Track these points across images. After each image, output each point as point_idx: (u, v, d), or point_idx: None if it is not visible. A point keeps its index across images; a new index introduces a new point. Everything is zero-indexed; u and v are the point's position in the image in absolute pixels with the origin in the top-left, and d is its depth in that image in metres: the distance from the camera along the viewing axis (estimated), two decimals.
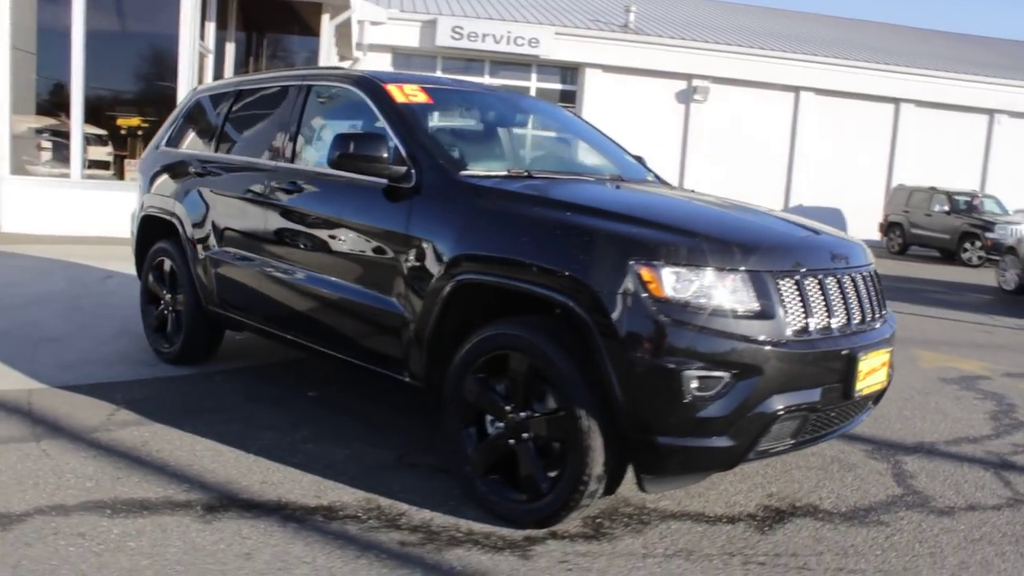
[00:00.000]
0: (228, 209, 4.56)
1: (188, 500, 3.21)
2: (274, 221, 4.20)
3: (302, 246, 4.04)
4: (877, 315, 3.41)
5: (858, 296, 3.28)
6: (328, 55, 13.82)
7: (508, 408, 3.16)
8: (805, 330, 3.00)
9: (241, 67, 14.49)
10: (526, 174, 3.71)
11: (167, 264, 5.09)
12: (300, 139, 4.28)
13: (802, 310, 3.01)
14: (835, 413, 3.24)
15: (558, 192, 3.41)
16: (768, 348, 2.87)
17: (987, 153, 23.26)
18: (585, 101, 21.62)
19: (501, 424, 3.20)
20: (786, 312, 2.96)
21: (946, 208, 18.47)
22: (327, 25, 13.76)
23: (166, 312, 5.16)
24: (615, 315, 2.83)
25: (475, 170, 3.66)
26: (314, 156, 4.26)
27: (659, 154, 19.03)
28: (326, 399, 4.66)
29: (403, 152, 3.62)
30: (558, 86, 22.31)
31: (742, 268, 2.91)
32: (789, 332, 2.95)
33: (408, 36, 20.58)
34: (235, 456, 3.69)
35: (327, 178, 3.97)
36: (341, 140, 3.59)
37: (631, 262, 2.85)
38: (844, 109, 22.49)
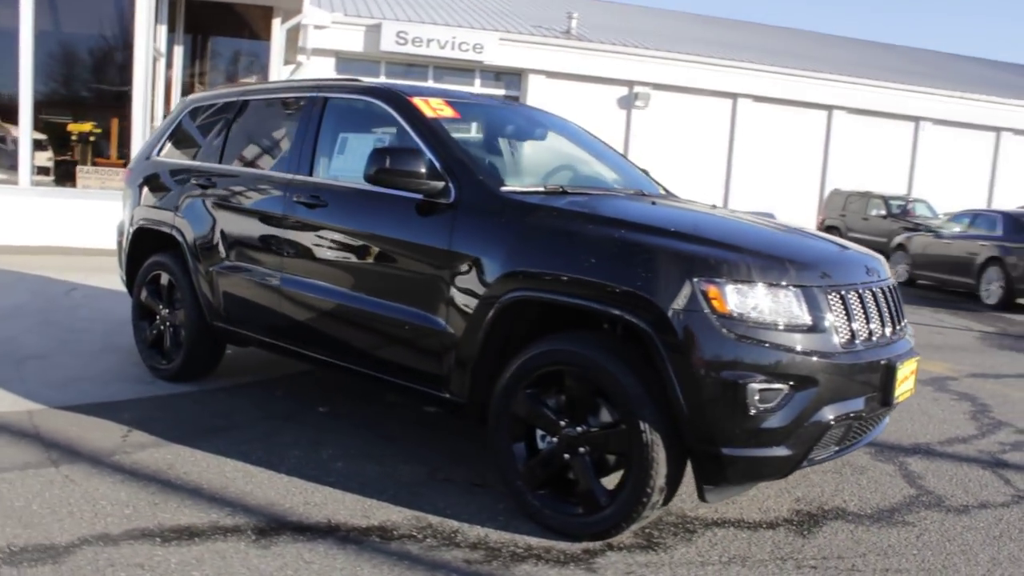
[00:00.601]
0: (239, 222, 4.45)
1: (236, 525, 3.13)
2: (295, 235, 4.11)
3: (329, 261, 3.97)
4: (901, 326, 3.54)
5: (888, 308, 3.41)
6: (280, 60, 13.59)
7: (563, 423, 3.18)
8: (851, 341, 3.11)
9: (188, 71, 14.12)
10: (562, 190, 3.73)
11: (164, 278, 4.95)
12: (320, 152, 4.20)
13: (847, 322, 3.12)
14: (870, 421, 3.36)
15: (606, 209, 3.43)
16: (822, 360, 2.97)
17: (913, 158, 24.25)
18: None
19: (553, 439, 3.21)
20: (834, 325, 3.06)
21: (882, 212, 19.17)
22: (278, 30, 13.52)
23: (162, 328, 5.01)
24: (681, 331, 2.88)
25: (512, 185, 3.66)
26: (337, 169, 4.19)
27: None
28: (338, 414, 4.59)
29: (439, 167, 3.60)
30: (501, 91, 22.35)
31: (795, 284, 3.00)
32: (838, 344, 3.05)
33: (352, 40, 20.36)
34: (267, 477, 3.62)
35: (355, 192, 3.92)
36: (378, 155, 3.55)
37: (695, 279, 2.91)
38: (780, 115, 23.14)
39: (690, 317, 2.88)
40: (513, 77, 22.39)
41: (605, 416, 3.12)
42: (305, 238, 4.08)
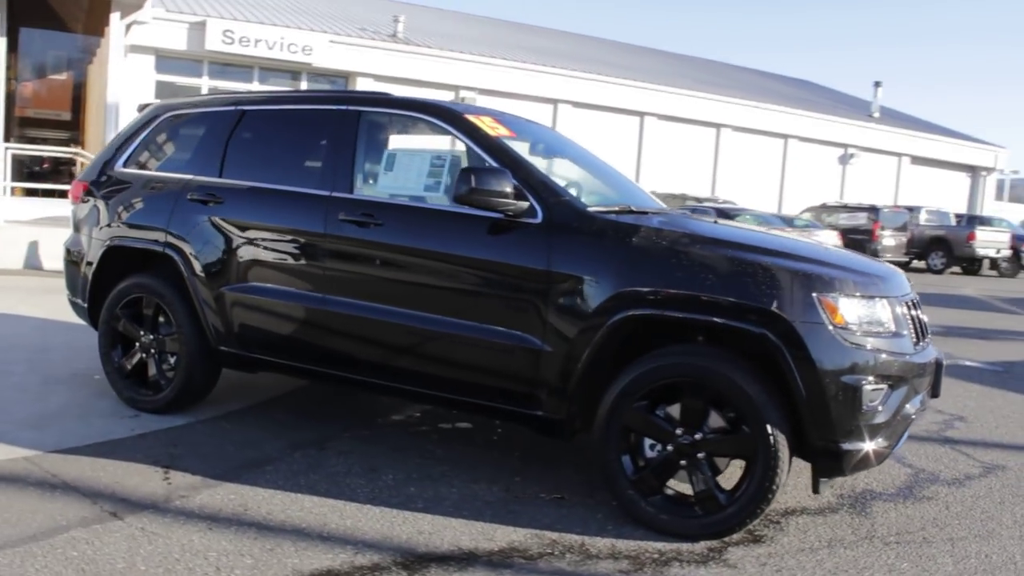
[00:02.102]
0: (260, 241, 4.16)
1: (375, 563, 2.97)
2: (344, 256, 3.91)
3: (392, 282, 3.82)
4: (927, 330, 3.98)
5: (920, 315, 3.83)
6: (121, 56, 12.51)
7: (677, 432, 3.31)
8: (917, 344, 3.48)
9: (9, 66, 12.62)
10: (631, 209, 3.82)
11: (147, 301, 4.50)
12: (361, 169, 4.02)
13: (911, 328, 3.49)
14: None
15: (702, 230, 3.56)
16: (907, 361, 3.31)
17: (716, 162, 26.38)
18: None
19: (667, 447, 3.33)
20: (908, 331, 3.42)
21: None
22: (117, 24, 12.45)
23: (144, 356, 4.56)
24: (807, 341, 3.10)
25: (591, 205, 3.71)
26: (387, 187, 4.01)
27: None
28: (363, 436, 4.41)
29: (521, 186, 3.59)
30: None
31: (883, 295, 3.33)
32: (911, 347, 3.41)
33: (175, 38, 19.04)
34: (356, 509, 3.44)
35: (419, 212, 3.82)
36: (465, 175, 3.49)
37: (815, 295, 3.15)
38: (597, 120, 24.32)
39: (814, 329, 3.12)
40: (340, 80, 21.94)
41: (718, 422, 3.29)
42: (358, 258, 3.89)
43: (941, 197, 28.94)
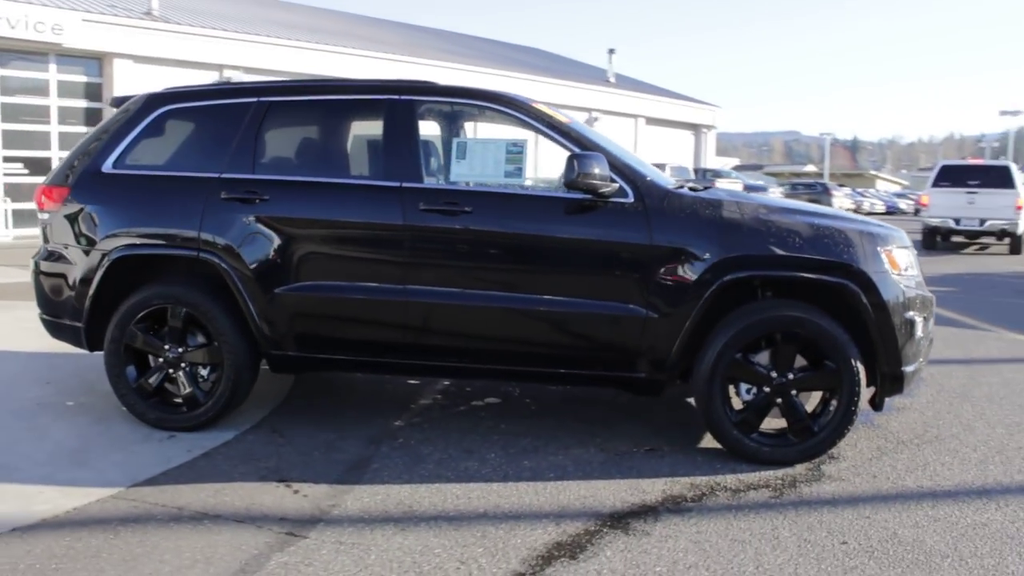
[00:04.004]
0: (326, 237, 3.98)
1: (586, 529, 3.11)
2: (431, 245, 3.88)
3: (486, 268, 3.86)
4: None
5: None
6: None
7: (773, 375, 3.75)
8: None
9: None
10: (693, 187, 4.12)
11: (174, 313, 4.08)
12: (428, 158, 3.98)
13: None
14: None
15: (768, 202, 4.07)
16: (928, 297, 4.02)
17: (475, 130, 27.12)
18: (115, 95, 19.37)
19: (764, 389, 3.76)
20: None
21: None
22: None
23: (171, 372, 4.14)
24: (880, 288, 3.68)
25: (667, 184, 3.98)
26: (463, 175, 3.97)
27: None
28: (417, 423, 4.36)
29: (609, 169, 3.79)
30: (83, 79, 19.57)
31: (909, 246, 4.01)
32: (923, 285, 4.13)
33: None
34: (505, 488, 3.51)
35: (505, 197, 3.89)
36: (571, 161, 3.67)
37: (879, 248, 3.74)
38: None
39: (883, 277, 3.71)
40: (93, 63, 19.70)
41: (799, 363, 3.79)
42: (447, 247, 3.89)
43: (673, 153, 31.92)
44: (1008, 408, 4.87)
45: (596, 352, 3.87)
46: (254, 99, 4.20)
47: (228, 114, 4.22)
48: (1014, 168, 16.18)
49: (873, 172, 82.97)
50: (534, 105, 4.03)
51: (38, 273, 4.39)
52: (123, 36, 19.50)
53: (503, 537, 3.05)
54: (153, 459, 3.81)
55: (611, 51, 32.48)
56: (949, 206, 15.78)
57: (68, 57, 19.22)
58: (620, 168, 3.84)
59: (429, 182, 3.99)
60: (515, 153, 3.95)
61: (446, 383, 5.16)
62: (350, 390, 5.11)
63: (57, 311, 4.34)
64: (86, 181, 4.25)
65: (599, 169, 3.68)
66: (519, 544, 2.99)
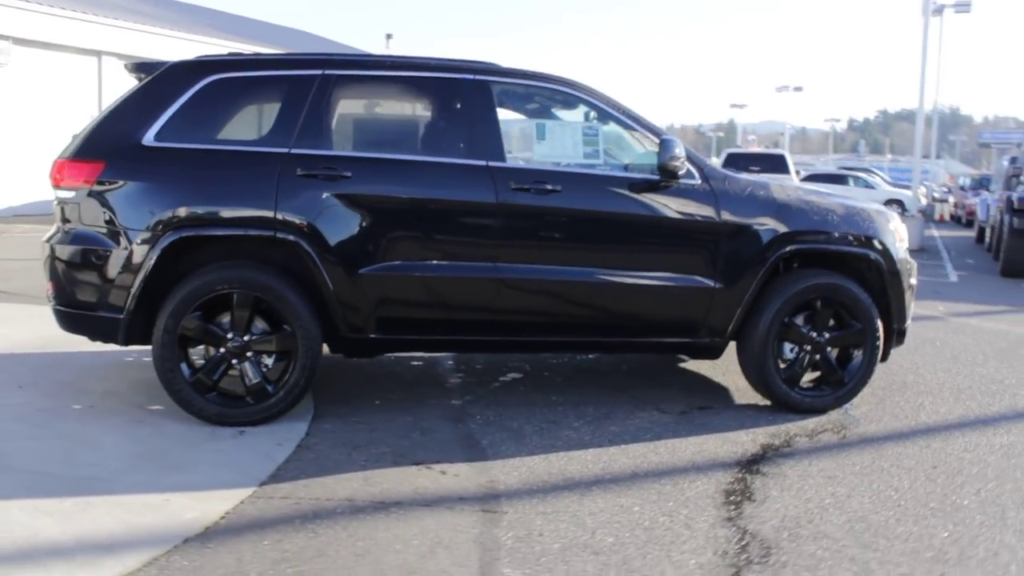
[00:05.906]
0: (408, 215, 3.87)
1: (736, 477, 3.40)
2: (522, 223, 3.94)
3: (576, 245, 3.99)
4: None
5: None
6: None
7: (813, 335, 4.25)
8: None
9: None
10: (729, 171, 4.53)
11: (239, 298, 3.71)
12: (510, 138, 3.99)
13: None
14: None
15: (798, 186, 4.58)
16: (914, 261, 4.72)
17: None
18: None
19: (804, 347, 4.25)
20: None
21: None
22: None
23: (235, 362, 3.77)
24: (894, 256, 4.33)
25: None
26: (546, 155, 4.07)
27: None
28: (482, 395, 4.35)
29: None
30: None
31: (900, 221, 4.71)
32: None
33: None
34: (637, 449, 3.72)
35: (590, 177, 4.06)
36: (665, 144, 3.92)
37: (890, 224, 4.38)
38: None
39: (895, 248, 4.35)
40: None
41: (832, 323, 4.33)
42: (538, 224, 3.95)
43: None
44: (941, 356, 5.76)
45: (669, 322, 4.15)
46: (318, 71, 3.93)
47: (288, 86, 3.91)
48: (788, 156, 18.66)
49: None
50: (598, 90, 4.20)
51: (54, 259, 3.78)
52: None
53: (674, 491, 3.25)
54: (249, 456, 3.50)
55: (389, 36, 31.60)
56: None
57: None
58: (687, 152, 4.13)
59: (512, 161, 4.00)
60: (591, 136, 4.10)
61: (450, 361, 5.13)
62: (357, 374, 4.88)
63: (80, 302, 3.77)
64: (125, 155, 3.72)
65: (680, 151, 3.94)
66: (697, 495, 3.22)
